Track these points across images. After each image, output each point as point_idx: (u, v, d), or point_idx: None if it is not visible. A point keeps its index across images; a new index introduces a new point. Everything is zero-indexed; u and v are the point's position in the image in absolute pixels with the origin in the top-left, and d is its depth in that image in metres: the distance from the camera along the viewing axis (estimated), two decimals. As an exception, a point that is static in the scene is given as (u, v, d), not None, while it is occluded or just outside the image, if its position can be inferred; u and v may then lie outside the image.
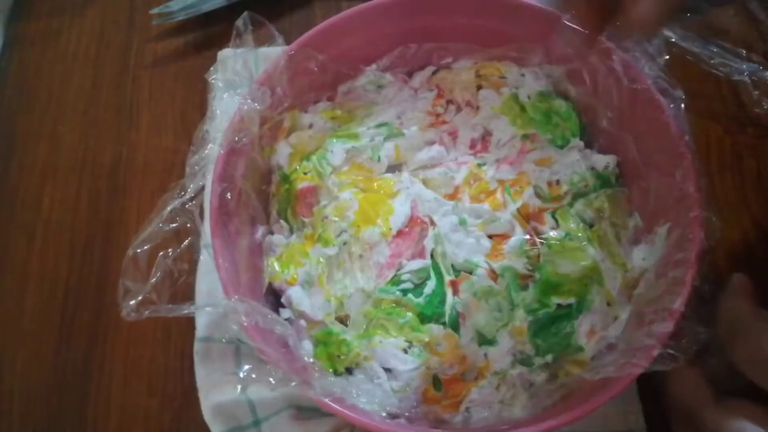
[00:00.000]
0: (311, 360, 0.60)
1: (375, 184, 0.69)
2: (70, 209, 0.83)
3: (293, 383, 0.54)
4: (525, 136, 0.71)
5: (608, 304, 0.63)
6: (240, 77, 0.88)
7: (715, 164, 0.83)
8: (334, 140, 0.70)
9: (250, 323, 0.55)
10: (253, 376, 0.57)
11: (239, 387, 0.71)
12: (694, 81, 0.88)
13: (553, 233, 0.67)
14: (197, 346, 0.74)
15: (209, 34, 0.93)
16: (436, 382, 0.61)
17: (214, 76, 0.79)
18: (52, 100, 0.90)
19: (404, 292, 0.64)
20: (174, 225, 0.62)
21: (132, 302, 0.56)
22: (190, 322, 0.77)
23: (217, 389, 0.71)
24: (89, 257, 0.81)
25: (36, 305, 0.79)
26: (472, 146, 0.72)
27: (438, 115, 0.73)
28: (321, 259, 0.66)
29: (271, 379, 0.56)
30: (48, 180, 0.85)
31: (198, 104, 0.88)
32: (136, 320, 0.74)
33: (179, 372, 0.75)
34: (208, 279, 0.77)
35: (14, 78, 0.91)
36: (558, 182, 0.69)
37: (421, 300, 0.64)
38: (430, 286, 0.65)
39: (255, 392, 0.71)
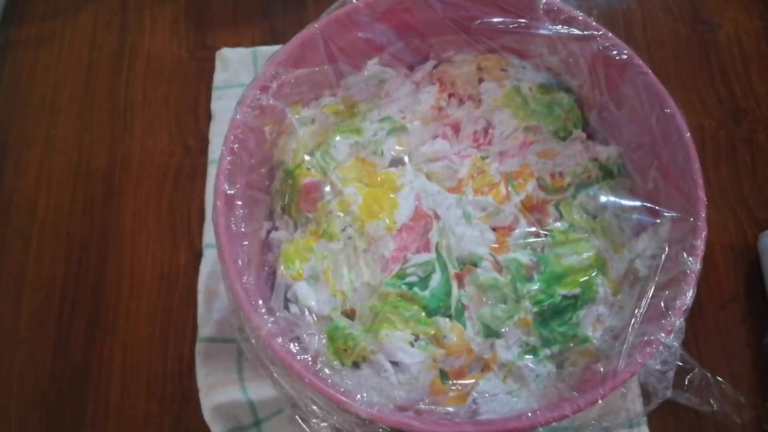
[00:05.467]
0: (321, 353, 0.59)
1: (379, 178, 0.69)
2: (65, 213, 0.83)
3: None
4: (527, 128, 0.72)
5: (613, 294, 0.64)
6: (240, 76, 0.89)
7: (710, 158, 0.84)
8: (338, 135, 0.70)
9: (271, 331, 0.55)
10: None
11: (240, 387, 0.71)
12: (687, 74, 0.90)
13: (557, 225, 0.68)
14: (199, 346, 0.74)
15: (202, 36, 0.93)
16: (443, 374, 0.61)
17: (213, 76, 0.79)
18: (45, 104, 0.89)
19: (410, 285, 0.64)
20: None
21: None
22: (188, 325, 0.76)
23: (218, 390, 0.71)
24: (85, 261, 0.80)
25: (32, 311, 0.78)
26: (475, 139, 0.72)
27: (440, 109, 0.74)
28: (326, 254, 0.66)
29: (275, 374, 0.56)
30: (42, 184, 0.85)
31: (192, 106, 0.88)
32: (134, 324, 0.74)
33: (178, 375, 0.75)
34: (208, 279, 0.76)
35: (7, 82, 0.91)
36: (561, 174, 0.70)
37: (426, 293, 0.64)
38: (436, 279, 0.65)
39: (255, 392, 0.71)
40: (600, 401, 0.54)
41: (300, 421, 0.60)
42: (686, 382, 0.57)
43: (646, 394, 0.62)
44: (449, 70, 0.75)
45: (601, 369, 0.56)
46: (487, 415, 0.59)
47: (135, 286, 0.79)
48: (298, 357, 0.54)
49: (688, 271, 0.56)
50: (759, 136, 0.86)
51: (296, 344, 0.57)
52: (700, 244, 0.57)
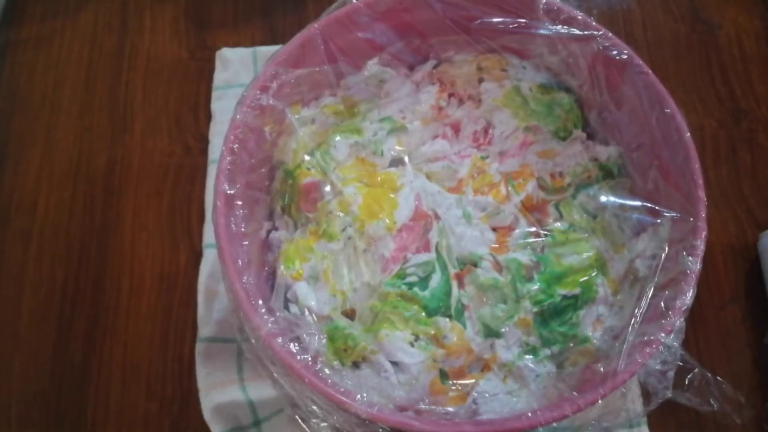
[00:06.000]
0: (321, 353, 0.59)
1: (379, 178, 0.69)
2: (66, 213, 0.83)
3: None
4: (527, 128, 0.72)
5: (613, 294, 0.64)
6: (240, 76, 0.89)
7: (710, 158, 0.84)
8: (338, 135, 0.70)
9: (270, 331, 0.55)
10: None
11: (240, 387, 0.71)
12: (687, 74, 0.90)
13: (557, 225, 0.68)
14: (199, 347, 0.74)
15: (202, 36, 0.93)
16: (443, 374, 0.61)
17: (213, 76, 0.79)
18: (45, 104, 0.89)
19: (410, 285, 0.64)
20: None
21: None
22: (188, 325, 0.76)
23: (218, 390, 0.71)
24: (85, 261, 0.80)
25: (33, 311, 0.79)
26: (475, 139, 0.72)
27: (440, 109, 0.74)
28: (326, 254, 0.66)
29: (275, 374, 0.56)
30: (42, 184, 0.85)
31: (192, 106, 0.88)
32: (134, 324, 0.74)
33: (177, 376, 0.75)
34: (208, 279, 0.76)
35: (7, 83, 0.91)
36: (561, 174, 0.70)
37: (426, 293, 0.64)
38: (436, 279, 0.65)
39: (255, 392, 0.71)
40: (600, 401, 0.54)
41: (300, 421, 0.60)
42: (686, 382, 0.57)
43: (646, 394, 0.62)
44: (449, 70, 0.74)
45: (601, 369, 0.56)
46: (487, 415, 0.59)
47: (135, 286, 0.79)
48: (298, 357, 0.54)
49: (688, 271, 0.56)
50: (759, 136, 0.86)
51: (296, 344, 0.57)
52: (700, 244, 0.57)
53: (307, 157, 0.69)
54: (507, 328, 0.63)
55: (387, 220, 0.66)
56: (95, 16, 0.95)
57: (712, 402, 0.58)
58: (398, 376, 0.61)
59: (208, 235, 0.80)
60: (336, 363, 0.61)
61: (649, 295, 0.58)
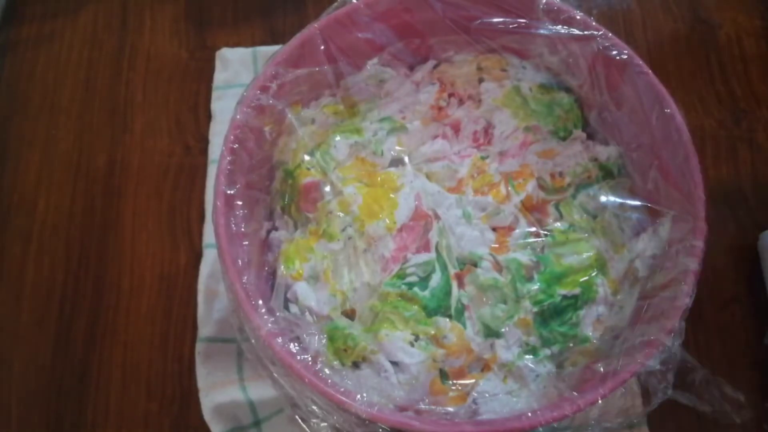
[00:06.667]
0: (321, 353, 0.60)
1: (379, 178, 0.69)
2: (65, 213, 0.83)
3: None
4: (527, 128, 0.72)
5: (613, 294, 0.64)
6: (240, 76, 0.89)
7: (710, 158, 0.84)
8: (338, 135, 0.70)
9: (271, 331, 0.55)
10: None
11: (240, 387, 0.71)
12: (687, 74, 0.90)
13: (557, 225, 0.68)
14: (199, 346, 0.73)
15: (202, 36, 0.93)
16: (443, 374, 0.61)
17: (213, 76, 0.79)
18: (45, 104, 0.89)
19: (410, 285, 0.64)
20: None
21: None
22: (188, 325, 0.76)
23: (218, 390, 0.71)
24: (85, 261, 0.80)
25: (32, 311, 0.78)
26: (475, 139, 0.72)
27: (440, 109, 0.73)
28: (326, 254, 0.66)
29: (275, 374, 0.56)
30: (42, 184, 0.85)
31: (192, 106, 0.88)
32: (134, 324, 0.74)
33: (177, 375, 0.75)
34: (208, 279, 0.76)
35: (7, 83, 0.91)
36: (561, 174, 0.70)
37: (426, 293, 0.64)
38: (436, 279, 0.64)
39: (255, 392, 0.71)
40: (600, 401, 0.54)
41: (300, 421, 0.60)
42: (686, 382, 0.57)
43: (646, 394, 0.62)
44: (449, 70, 0.74)
45: (601, 369, 0.56)
46: (487, 415, 0.59)
47: (135, 286, 0.79)
48: (298, 357, 0.54)
49: (688, 271, 0.56)
50: (759, 136, 0.86)
51: (296, 344, 0.57)
52: (700, 244, 0.57)
53: (307, 157, 0.68)
54: (507, 328, 0.63)
55: (387, 220, 0.66)
56: (95, 16, 0.95)
57: (712, 402, 0.58)
58: (398, 376, 0.61)
59: (208, 235, 0.79)
60: (336, 363, 0.61)
61: (649, 296, 0.58)
